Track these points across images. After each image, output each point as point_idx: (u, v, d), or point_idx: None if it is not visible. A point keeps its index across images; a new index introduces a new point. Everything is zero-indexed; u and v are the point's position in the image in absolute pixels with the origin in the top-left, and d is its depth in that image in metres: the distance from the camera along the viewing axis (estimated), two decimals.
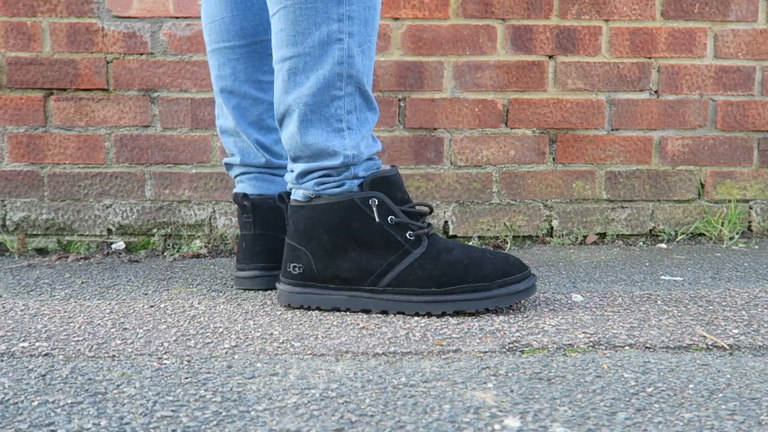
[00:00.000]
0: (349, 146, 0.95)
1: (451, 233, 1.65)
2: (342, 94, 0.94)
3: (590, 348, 0.79)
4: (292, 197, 1.02)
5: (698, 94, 1.66)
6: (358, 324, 0.91)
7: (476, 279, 0.92)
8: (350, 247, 0.96)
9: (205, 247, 1.58)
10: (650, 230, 1.68)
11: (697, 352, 0.78)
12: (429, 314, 0.94)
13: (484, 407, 0.61)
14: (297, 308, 0.99)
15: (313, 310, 0.99)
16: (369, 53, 0.96)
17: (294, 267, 0.99)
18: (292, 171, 1.00)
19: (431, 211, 1.01)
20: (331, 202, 0.96)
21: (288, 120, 0.97)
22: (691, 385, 0.66)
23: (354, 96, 0.95)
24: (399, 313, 0.95)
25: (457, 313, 0.94)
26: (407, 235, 0.95)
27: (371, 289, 0.95)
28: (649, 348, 0.79)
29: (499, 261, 0.95)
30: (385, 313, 0.95)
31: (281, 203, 1.09)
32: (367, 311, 0.96)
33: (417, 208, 1.00)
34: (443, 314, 0.94)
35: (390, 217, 0.95)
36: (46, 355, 0.78)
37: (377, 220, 0.95)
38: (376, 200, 0.95)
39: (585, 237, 1.66)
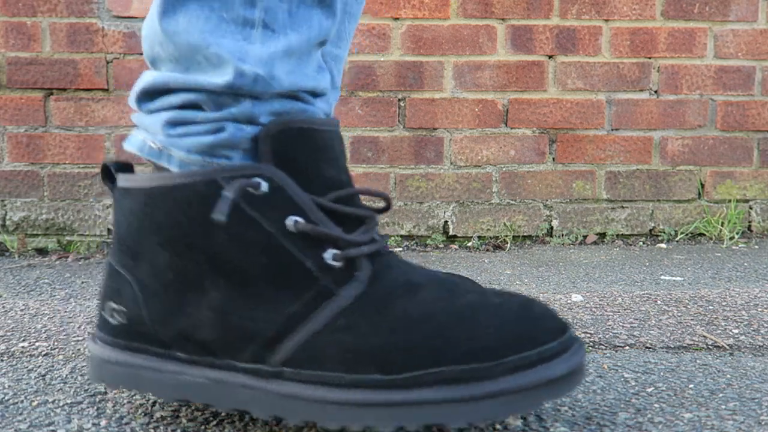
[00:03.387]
0: (253, 55, 0.47)
1: (451, 233, 1.65)
2: None
3: (590, 348, 0.79)
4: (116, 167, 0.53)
5: (698, 94, 1.66)
6: None
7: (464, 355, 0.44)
8: (212, 277, 0.48)
9: None
10: (650, 230, 1.68)
11: (697, 352, 0.78)
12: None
13: None
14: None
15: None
16: None
17: (113, 310, 0.52)
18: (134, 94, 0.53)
19: (389, 205, 0.54)
20: (183, 178, 0.48)
21: None
22: (691, 385, 0.66)
23: None
24: (308, 422, 0.46)
25: (427, 429, 0.48)
26: (325, 257, 0.47)
27: (255, 368, 0.47)
28: (649, 348, 0.79)
29: (511, 314, 0.46)
30: (279, 420, 0.49)
31: (107, 178, 0.53)
32: (246, 412, 0.49)
33: (356, 202, 0.51)
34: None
35: (292, 218, 0.47)
36: (46, 355, 0.78)
37: (266, 224, 0.47)
38: (263, 182, 0.47)
39: (585, 237, 1.66)
